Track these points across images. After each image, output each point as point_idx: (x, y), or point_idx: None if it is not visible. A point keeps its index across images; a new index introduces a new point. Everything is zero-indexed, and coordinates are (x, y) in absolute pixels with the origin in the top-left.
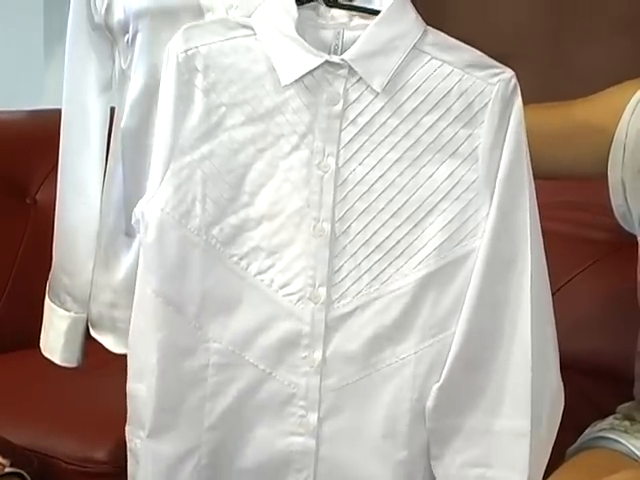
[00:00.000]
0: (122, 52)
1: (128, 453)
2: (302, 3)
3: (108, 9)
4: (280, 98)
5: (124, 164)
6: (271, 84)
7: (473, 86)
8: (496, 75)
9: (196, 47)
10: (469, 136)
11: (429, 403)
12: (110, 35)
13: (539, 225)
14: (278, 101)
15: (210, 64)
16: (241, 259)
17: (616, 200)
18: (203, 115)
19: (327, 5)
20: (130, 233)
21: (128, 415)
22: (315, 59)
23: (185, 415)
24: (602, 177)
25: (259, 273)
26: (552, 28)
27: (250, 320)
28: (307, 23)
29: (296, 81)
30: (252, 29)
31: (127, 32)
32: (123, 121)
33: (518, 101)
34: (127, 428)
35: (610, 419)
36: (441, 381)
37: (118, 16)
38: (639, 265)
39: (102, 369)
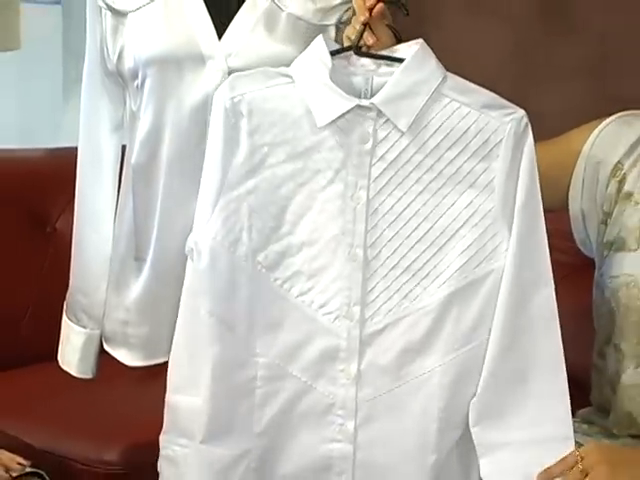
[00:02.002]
0: (132, 95)
1: (162, 460)
2: (336, 53)
3: (120, 57)
4: (316, 138)
5: (134, 196)
6: (308, 126)
7: (488, 125)
8: (509, 114)
9: (241, 94)
10: (486, 169)
11: (470, 421)
12: (121, 80)
13: None
14: (315, 141)
15: (254, 109)
16: (284, 282)
17: (577, 228)
18: (248, 154)
19: (357, 55)
20: (139, 258)
21: (165, 425)
22: (347, 103)
23: (237, 422)
24: (564, 209)
25: (300, 295)
26: (514, 75)
27: (293, 337)
28: (340, 71)
29: (330, 123)
30: (290, 77)
31: (137, 78)
32: (133, 158)
33: (529, 137)
34: (162, 437)
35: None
36: (477, 396)
37: (129, 64)
38: (594, 285)
39: (114, 380)
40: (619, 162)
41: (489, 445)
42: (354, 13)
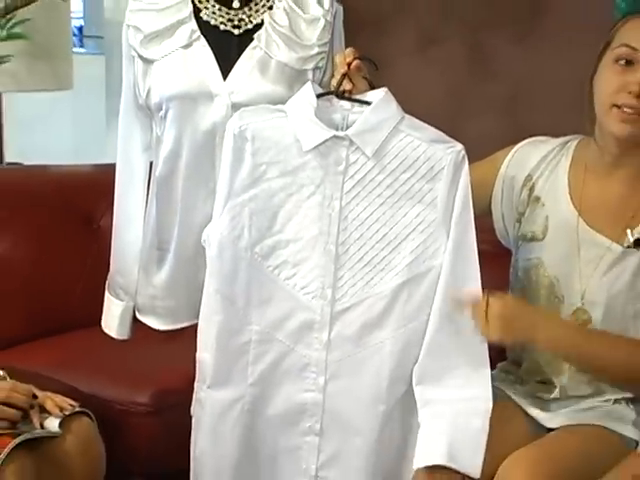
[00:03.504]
0: (157, 123)
1: (194, 401)
2: (322, 95)
3: (148, 94)
4: (302, 160)
5: (158, 201)
6: (296, 150)
7: (435, 155)
8: (451, 147)
9: (246, 124)
10: (431, 189)
11: (413, 381)
12: (149, 112)
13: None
14: (301, 162)
15: (256, 135)
16: (275, 269)
17: (498, 226)
18: (250, 170)
19: (337, 97)
20: (161, 248)
21: (197, 374)
22: (326, 133)
23: (235, 374)
24: (489, 213)
25: (286, 279)
26: (447, 109)
27: (279, 311)
28: (323, 109)
29: (313, 148)
30: (284, 112)
31: (161, 110)
32: (158, 171)
33: (466, 166)
34: (196, 384)
35: (493, 373)
36: (418, 363)
37: (155, 99)
38: (511, 268)
39: (144, 340)
40: (529, 175)
41: (427, 400)
42: (336, 67)
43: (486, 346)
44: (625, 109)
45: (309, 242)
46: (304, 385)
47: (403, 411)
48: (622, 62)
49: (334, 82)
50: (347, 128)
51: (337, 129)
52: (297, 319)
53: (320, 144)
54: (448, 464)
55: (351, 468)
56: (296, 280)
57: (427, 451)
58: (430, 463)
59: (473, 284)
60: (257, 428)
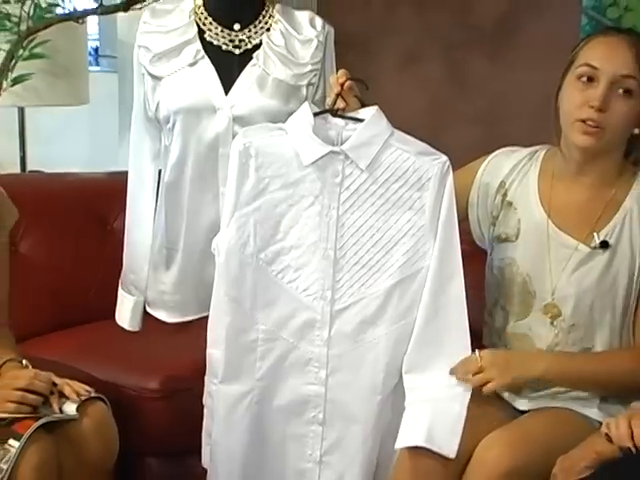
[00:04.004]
0: (165, 134)
1: (206, 393)
2: (318, 114)
3: (157, 108)
4: (302, 173)
5: (166, 205)
6: (296, 164)
7: (422, 166)
8: (436, 159)
9: (250, 141)
10: (420, 197)
11: (403, 371)
12: (158, 124)
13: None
14: (301, 175)
15: (259, 152)
16: (278, 273)
17: (474, 229)
18: (254, 183)
19: (332, 116)
20: (169, 248)
21: (207, 368)
22: (324, 149)
23: (244, 370)
24: (466, 217)
25: (289, 282)
26: (430, 121)
27: (284, 311)
28: (320, 127)
29: (312, 162)
30: (284, 130)
31: (168, 122)
32: (166, 177)
33: (450, 175)
34: (206, 378)
35: None
36: (407, 354)
37: (163, 112)
38: (486, 266)
39: (154, 332)
40: (502, 181)
41: (413, 387)
42: (331, 87)
43: (468, 338)
44: (588, 122)
45: (309, 248)
46: (307, 379)
47: (396, 399)
48: (584, 79)
49: (329, 101)
50: (342, 143)
51: (333, 144)
52: (300, 318)
53: (318, 159)
54: (426, 445)
55: (352, 453)
56: (298, 283)
57: (408, 433)
58: (410, 444)
59: (457, 280)
60: (265, 418)
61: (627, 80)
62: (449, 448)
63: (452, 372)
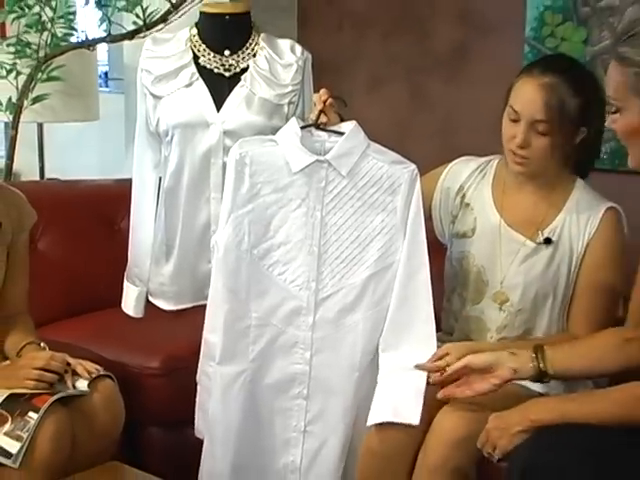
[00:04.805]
0: (165, 146)
1: (201, 373)
2: (304, 127)
3: (157, 123)
4: (291, 179)
5: (165, 208)
6: (286, 171)
7: (394, 173)
8: (407, 167)
9: (245, 151)
10: (392, 201)
11: (380, 347)
12: (158, 137)
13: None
14: (290, 181)
15: (253, 160)
16: (269, 267)
17: (437, 227)
18: (249, 188)
19: (316, 129)
20: (168, 245)
21: (202, 352)
22: (310, 158)
23: (238, 352)
24: (429, 217)
25: (279, 274)
26: (394, 136)
27: (273, 300)
28: (306, 138)
29: (300, 170)
30: (275, 141)
31: (167, 135)
32: (165, 184)
33: (418, 182)
34: (201, 360)
35: None
36: (382, 336)
37: (163, 127)
38: (446, 259)
39: (155, 318)
40: (461, 185)
41: (387, 364)
42: (314, 104)
43: (433, 322)
44: (515, 153)
45: (296, 245)
46: (294, 359)
47: (372, 376)
48: (511, 117)
49: (312, 116)
50: (325, 153)
51: (318, 154)
52: (288, 306)
53: (306, 167)
54: (394, 419)
55: (332, 423)
56: (286, 275)
57: (378, 410)
58: (379, 421)
59: (423, 272)
60: (257, 394)
61: (540, 124)
62: (414, 417)
63: (421, 367)
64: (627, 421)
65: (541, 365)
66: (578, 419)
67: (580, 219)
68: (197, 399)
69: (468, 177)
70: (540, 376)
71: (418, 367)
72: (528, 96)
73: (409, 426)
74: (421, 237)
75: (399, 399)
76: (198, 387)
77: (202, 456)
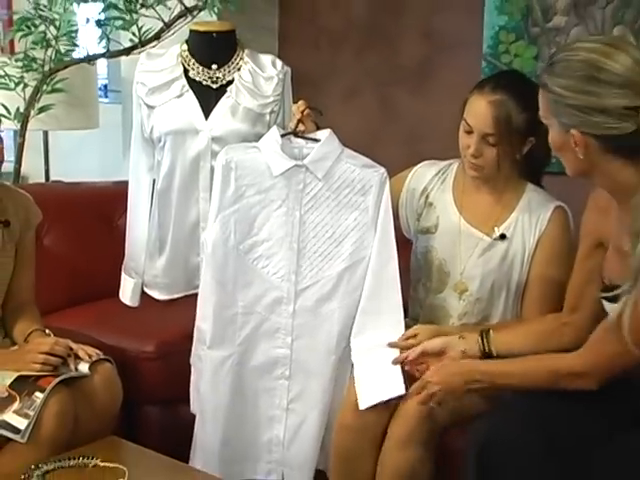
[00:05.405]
0: (158, 151)
1: (194, 356)
2: (284, 135)
3: (151, 130)
4: (272, 182)
5: (158, 207)
6: (268, 175)
7: (366, 176)
8: (377, 171)
9: (231, 157)
10: (364, 201)
11: (352, 332)
12: (152, 143)
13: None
14: (271, 183)
15: (238, 165)
16: (254, 260)
17: (403, 224)
18: (234, 191)
19: (295, 136)
20: (161, 240)
21: (195, 337)
22: (289, 163)
23: (226, 338)
24: (397, 215)
25: (262, 267)
26: (366, 143)
27: (258, 291)
28: (286, 145)
29: (280, 174)
30: (258, 148)
31: (160, 141)
32: (158, 186)
33: (387, 183)
34: (194, 344)
35: None
36: (355, 323)
37: (156, 134)
38: (412, 253)
39: (150, 307)
40: (425, 187)
41: (358, 348)
42: (293, 114)
43: (402, 310)
44: (470, 161)
45: (278, 241)
46: (276, 343)
47: (347, 358)
48: (466, 129)
49: (292, 125)
50: (303, 158)
51: (296, 159)
52: (270, 296)
53: (285, 171)
54: (384, 398)
55: (312, 402)
56: (269, 268)
57: (366, 394)
58: (372, 403)
59: (392, 264)
60: (243, 376)
61: (490, 136)
62: (399, 389)
63: (394, 345)
64: (542, 350)
65: (486, 346)
66: (495, 371)
67: (532, 217)
68: (192, 380)
69: (431, 179)
70: (485, 356)
71: (391, 345)
72: (479, 111)
73: (388, 401)
74: (390, 233)
75: (381, 378)
76: (192, 369)
77: (194, 431)
